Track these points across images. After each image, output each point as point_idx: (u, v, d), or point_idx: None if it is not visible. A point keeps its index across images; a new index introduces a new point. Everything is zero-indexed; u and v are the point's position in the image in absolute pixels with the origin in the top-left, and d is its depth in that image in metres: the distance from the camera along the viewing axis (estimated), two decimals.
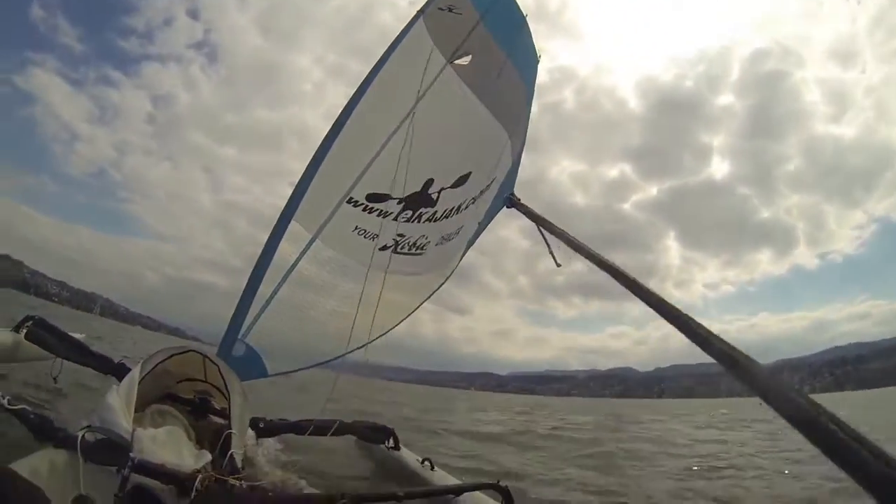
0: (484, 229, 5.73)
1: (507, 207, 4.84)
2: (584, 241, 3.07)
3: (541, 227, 3.81)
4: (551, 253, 4.50)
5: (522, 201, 4.56)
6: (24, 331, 4.36)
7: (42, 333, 4.32)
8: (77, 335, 4.61)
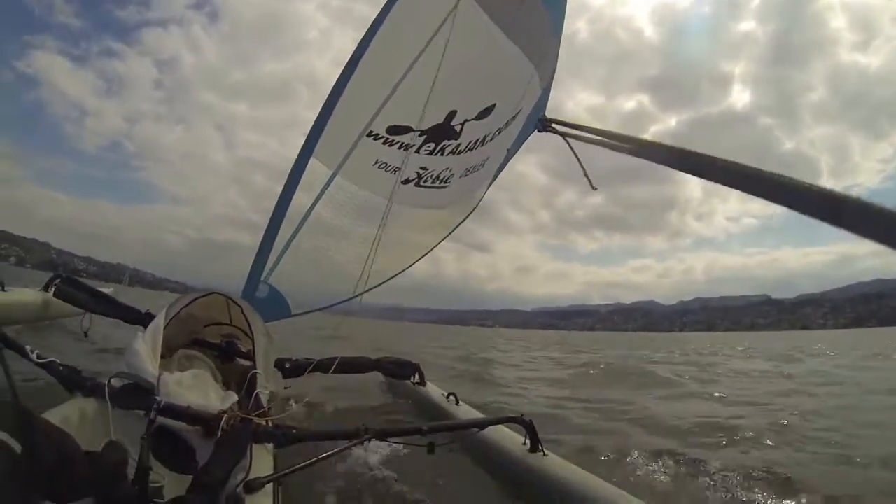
0: (512, 157, 5.61)
1: (539, 131, 4.76)
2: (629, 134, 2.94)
3: (575, 151, 3.72)
4: (586, 175, 4.52)
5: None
6: (53, 289, 4.47)
7: (70, 290, 4.42)
8: (105, 289, 4.72)
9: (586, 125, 3.57)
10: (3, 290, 4.36)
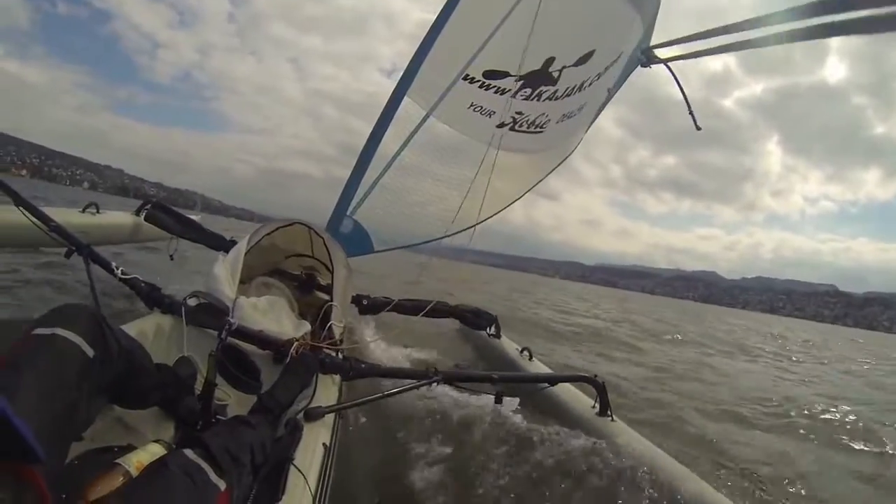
0: (612, 97, 5.38)
1: (643, 66, 4.57)
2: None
3: (681, 84, 3.53)
4: (691, 112, 4.47)
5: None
6: (144, 213, 4.71)
7: (160, 215, 4.64)
8: (193, 216, 4.96)
9: (700, 32, 3.32)
10: (98, 212, 4.66)
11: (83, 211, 4.66)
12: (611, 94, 5.23)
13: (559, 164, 5.66)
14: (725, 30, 2.91)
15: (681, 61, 4.18)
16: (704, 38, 3.27)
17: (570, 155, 5.72)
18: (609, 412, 3.16)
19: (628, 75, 5.08)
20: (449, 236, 4.98)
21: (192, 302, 2.48)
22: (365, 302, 4.72)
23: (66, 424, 1.31)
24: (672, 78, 4.45)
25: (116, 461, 1.34)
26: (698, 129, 4.60)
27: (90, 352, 1.42)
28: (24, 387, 1.20)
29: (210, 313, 2.43)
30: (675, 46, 4.28)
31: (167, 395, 1.84)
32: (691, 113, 4.46)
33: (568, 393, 3.44)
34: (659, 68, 4.53)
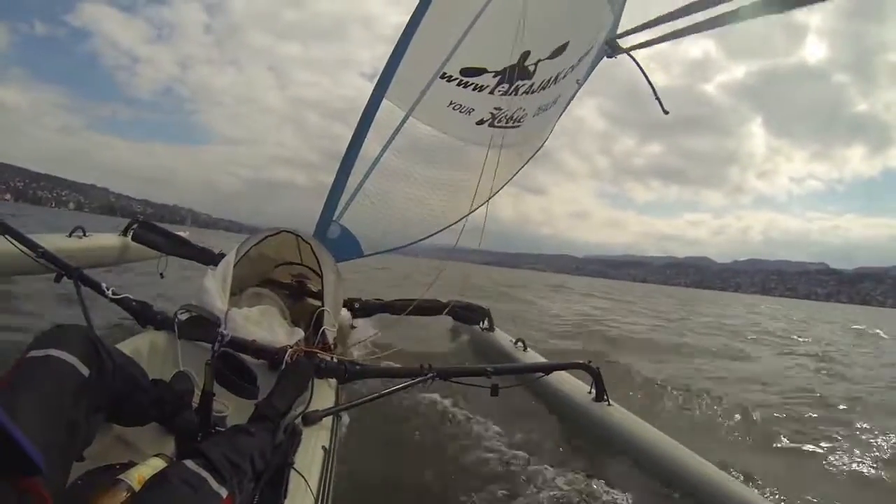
0: (580, 87, 5.44)
1: (609, 57, 4.63)
2: None
3: (646, 72, 3.59)
4: (657, 98, 4.60)
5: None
6: (131, 233, 4.73)
7: (147, 234, 4.65)
8: (181, 233, 4.95)
9: (661, 16, 3.39)
10: (84, 235, 4.65)
11: (70, 235, 4.64)
12: (580, 85, 5.29)
13: (532, 157, 5.74)
14: (687, 10, 2.96)
15: (645, 49, 4.24)
16: (668, 21, 3.33)
17: (541, 147, 5.79)
18: (605, 397, 3.20)
19: (595, 67, 5.16)
20: (434, 234, 5.03)
21: (183, 316, 2.50)
22: (357, 305, 4.75)
23: (67, 444, 1.33)
24: (638, 65, 4.54)
25: (119, 477, 1.36)
26: (665, 112, 4.69)
27: (85, 371, 1.44)
28: (21, 409, 1.22)
29: (202, 326, 2.46)
30: (639, 34, 4.36)
31: (164, 411, 1.86)
32: (658, 98, 4.59)
33: (564, 381, 3.48)
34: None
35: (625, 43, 4.69)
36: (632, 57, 4.45)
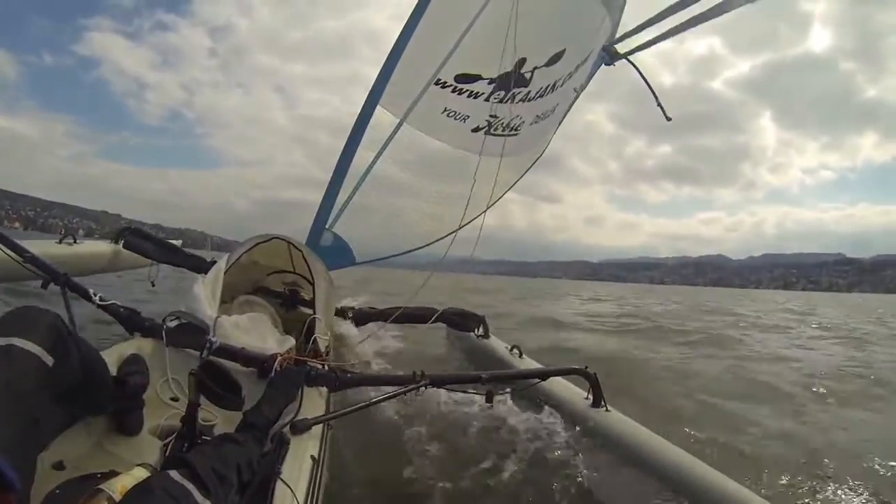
0: (580, 95, 5.44)
1: (607, 65, 4.62)
2: None
3: (646, 78, 3.60)
4: (659, 104, 4.56)
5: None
6: (123, 241, 4.68)
7: (139, 241, 4.61)
8: (174, 241, 4.91)
9: (658, 13, 3.39)
10: (75, 242, 4.60)
11: (60, 241, 4.60)
12: (577, 94, 5.28)
13: (532, 166, 5.69)
14: (683, 3, 2.95)
15: (648, 49, 4.24)
16: (666, 18, 3.33)
17: (541, 156, 5.74)
18: (603, 402, 3.16)
19: (593, 75, 5.16)
20: (430, 244, 4.97)
21: (172, 323, 2.46)
22: (350, 314, 4.71)
23: (30, 438, 1.30)
24: (638, 71, 4.53)
25: (100, 486, 1.31)
26: (668, 119, 4.62)
27: (49, 360, 1.41)
28: None
29: (191, 333, 2.41)
30: (639, 34, 4.36)
31: (120, 407, 1.82)
32: (660, 105, 4.55)
33: (560, 387, 3.44)
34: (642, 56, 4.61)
35: (624, 47, 4.67)
36: (630, 62, 4.45)
